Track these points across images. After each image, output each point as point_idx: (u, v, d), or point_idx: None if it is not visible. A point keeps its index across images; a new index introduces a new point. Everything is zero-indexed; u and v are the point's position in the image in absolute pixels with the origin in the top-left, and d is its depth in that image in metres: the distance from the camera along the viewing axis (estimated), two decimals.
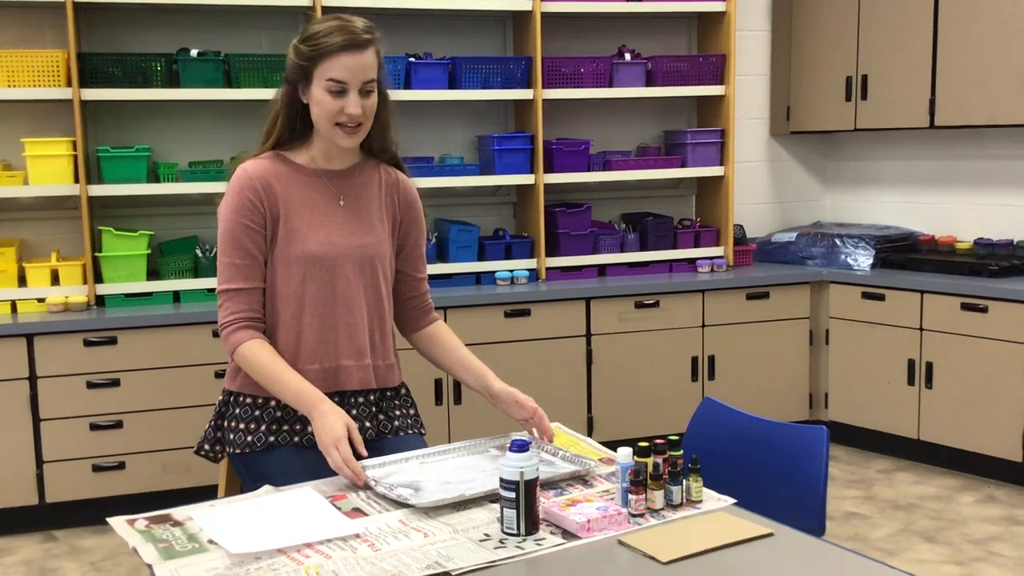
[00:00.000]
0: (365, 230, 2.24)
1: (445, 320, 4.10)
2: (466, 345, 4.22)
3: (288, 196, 2.18)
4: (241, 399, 2.22)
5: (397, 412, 2.33)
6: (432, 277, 4.30)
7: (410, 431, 2.34)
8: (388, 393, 2.33)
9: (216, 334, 3.84)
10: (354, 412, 2.24)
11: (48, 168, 3.90)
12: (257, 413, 2.20)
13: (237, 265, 2.15)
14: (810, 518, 2.03)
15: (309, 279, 2.18)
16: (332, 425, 2.03)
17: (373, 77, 2.13)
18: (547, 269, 4.55)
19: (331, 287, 2.19)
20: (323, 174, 2.23)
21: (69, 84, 3.88)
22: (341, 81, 2.10)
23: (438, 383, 4.13)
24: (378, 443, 2.27)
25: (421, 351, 2.42)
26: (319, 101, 2.12)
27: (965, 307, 4.13)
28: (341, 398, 2.24)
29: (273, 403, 2.20)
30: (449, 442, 2.44)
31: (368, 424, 2.25)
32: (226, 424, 2.24)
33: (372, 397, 2.28)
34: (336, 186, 2.23)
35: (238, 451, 2.19)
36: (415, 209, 2.35)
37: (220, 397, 2.28)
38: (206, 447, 2.28)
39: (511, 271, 4.45)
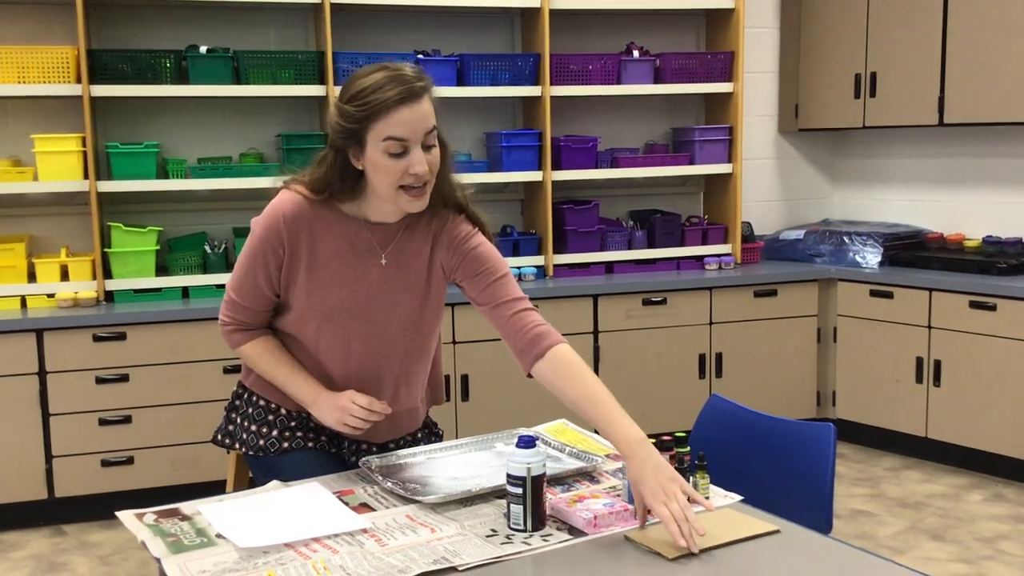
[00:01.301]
0: (402, 288, 2.09)
1: (453, 318, 4.12)
2: (473, 342, 4.25)
3: (319, 245, 2.04)
4: (254, 399, 2.20)
5: (412, 434, 2.28)
6: None
7: (428, 440, 2.30)
8: (404, 439, 2.26)
9: None
10: (354, 459, 2.17)
11: (58, 164, 3.91)
12: (270, 418, 2.17)
13: (249, 288, 2.08)
14: (817, 516, 2.03)
15: (323, 334, 2.08)
16: (331, 405, 2.04)
17: (434, 126, 1.94)
18: (554, 266, 4.55)
19: (345, 346, 2.09)
20: (366, 226, 2.06)
21: (79, 80, 3.89)
22: (401, 139, 1.89)
23: (445, 380, 4.12)
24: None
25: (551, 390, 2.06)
26: (378, 166, 1.92)
27: (973, 305, 4.12)
28: (347, 442, 2.19)
29: (284, 411, 2.17)
30: (456, 438, 2.45)
31: (374, 458, 2.13)
32: (238, 420, 2.23)
33: (375, 448, 2.20)
34: (380, 241, 2.07)
35: (251, 453, 2.18)
36: (462, 248, 2.09)
37: (234, 388, 2.28)
38: (219, 436, 2.27)
39: (519, 268, 4.45)
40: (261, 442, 2.16)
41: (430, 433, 2.33)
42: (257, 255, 2.06)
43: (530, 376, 2.08)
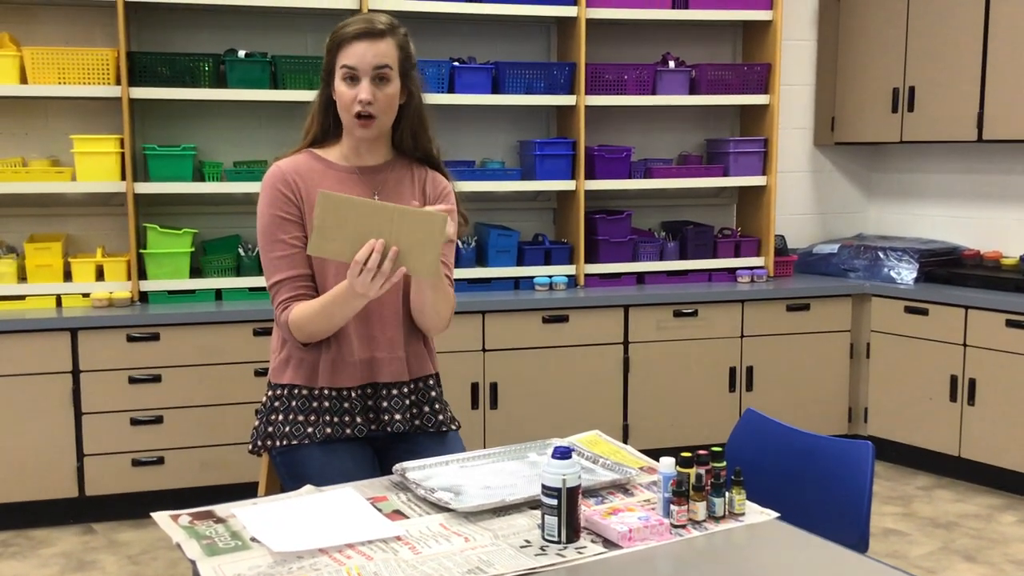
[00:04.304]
0: None
1: (483, 325, 4.13)
2: (503, 350, 4.24)
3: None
4: (295, 391, 2.26)
5: (437, 407, 2.35)
6: (471, 281, 4.33)
7: (450, 426, 2.36)
8: (422, 384, 2.34)
9: (256, 332, 3.90)
10: (385, 404, 2.28)
11: (96, 165, 3.95)
12: (315, 404, 2.24)
13: (279, 258, 2.20)
14: (853, 534, 2.01)
15: (340, 276, 2.17)
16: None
17: (386, 64, 2.16)
18: (586, 276, 4.54)
19: None
20: (356, 170, 2.26)
21: (118, 82, 3.93)
22: (352, 67, 2.15)
23: (474, 387, 4.13)
24: (415, 441, 2.29)
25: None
26: (338, 93, 2.18)
27: (1010, 324, 4.07)
28: (375, 390, 2.28)
29: (326, 391, 2.24)
30: (484, 446, 2.44)
31: (399, 416, 2.28)
32: (279, 419, 2.26)
33: (405, 390, 2.30)
34: (370, 182, 2.26)
35: (295, 443, 2.22)
36: (447, 202, 2.32)
37: (268, 393, 2.30)
38: (259, 443, 2.30)
39: (550, 277, 4.44)
40: (309, 429, 2.23)
41: (450, 420, 2.38)
42: (274, 217, 2.20)
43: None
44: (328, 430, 2.23)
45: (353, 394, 2.26)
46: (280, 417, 2.26)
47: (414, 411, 2.32)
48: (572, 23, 4.45)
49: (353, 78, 2.15)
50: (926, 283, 4.56)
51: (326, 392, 2.25)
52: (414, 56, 2.25)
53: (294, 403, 2.26)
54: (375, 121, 2.18)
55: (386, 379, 2.28)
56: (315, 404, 2.25)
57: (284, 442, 2.23)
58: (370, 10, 4.09)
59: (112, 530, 3.81)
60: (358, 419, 2.26)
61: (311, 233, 1.99)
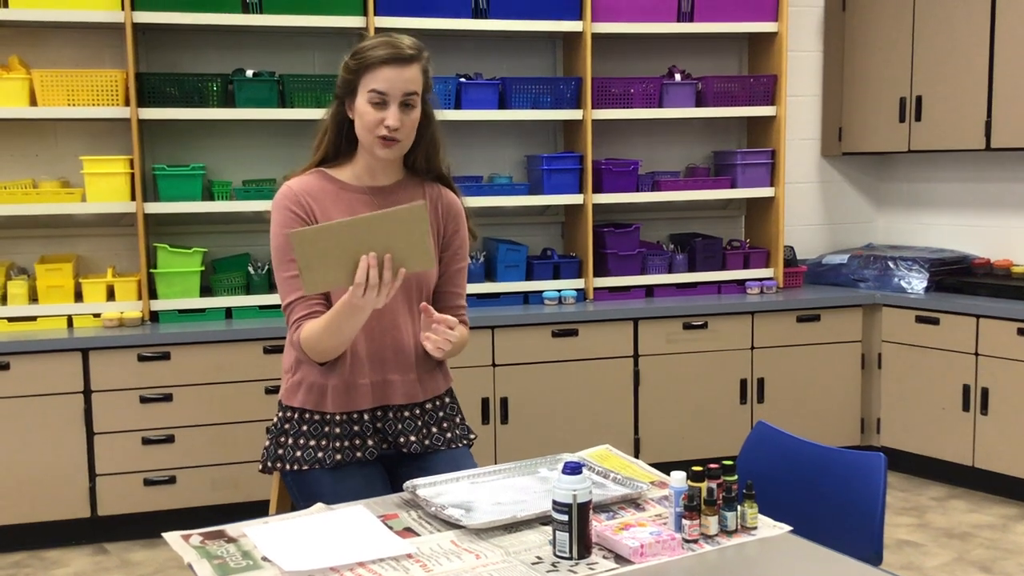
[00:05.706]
0: None
1: (493, 340, 4.13)
2: (513, 365, 4.24)
3: (330, 214, 2.22)
4: (306, 415, 2.26)
5: (445, 425, 2.35)
6: (480, 296, 4.33)
7: (461, 443, 2.36)
8: (435, 403, 2.35)
9: (266, 350, 3.91)
10: (400, 426, 2.28)
11: (105, 185, 3.97)
12: (326, 430, 2.24)
13: (292, 277, 2.18)
14: (867, 547, 2.00)
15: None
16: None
17: (415, 91, 2.17)
18: (595, 289, 4.53)
19: None
20: (367, 191, 2.27)
21: (127, 103, 3.96)
22: (382, 92, 2.15)
23: (485, 402, 4.13)
24: (426, 459, 2.29)
25: None
26: (361, 113, 2.17)
27: (1022, 332, 4.05)
28: (384, 412, 2.28)
29: (338, 417, 2.23)
30: (495, 462, 2.44)
31: (414, 438, 2.28)
32: (289, 442, 2.26)
33: (418, 411, 2.31)
34: (381, 202, 2.26)
35: (305, 468, 2.22)
36: (457, 221, 2.35)
37: (279, 414, 2.30)
38: (269, 464, 2.30)
39: (559, 291, 4.44)
40: (320, 454, 2.23)
41: (462, 436, 2.38)
42: (287, 237, 2.17)
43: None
44: (338, 456, 2.22)
45: (364, 417, 2.25)
46: (291, 440, 2.26)
47: (424, 431, 2.32)
48: (578, 38, 4.47)
49: (382, 103, 2.15)
50: (937, 292, 4.54)
51: (336, 417, 2.24)
52: (431, 79, 2.26)
53: (304, 427, 2.26)
54: (398, 144, 2.20)
55: (399, 401, 2.28)
56: (326, 429, 2.24)
57: (295, 466, 2.23)
58: (377, 29, 4.12)
59: (124, 550, 3.82)
60: (369, 442, 2.25)
61: (301, 274, 1.97)
